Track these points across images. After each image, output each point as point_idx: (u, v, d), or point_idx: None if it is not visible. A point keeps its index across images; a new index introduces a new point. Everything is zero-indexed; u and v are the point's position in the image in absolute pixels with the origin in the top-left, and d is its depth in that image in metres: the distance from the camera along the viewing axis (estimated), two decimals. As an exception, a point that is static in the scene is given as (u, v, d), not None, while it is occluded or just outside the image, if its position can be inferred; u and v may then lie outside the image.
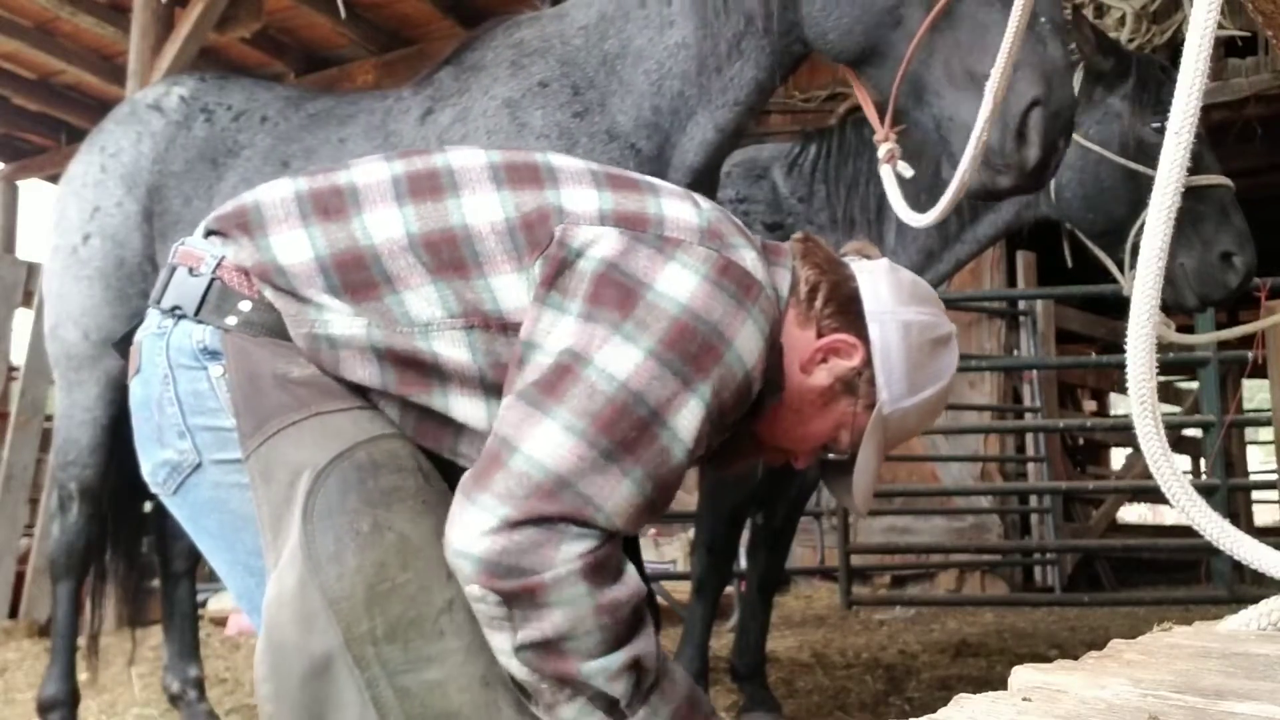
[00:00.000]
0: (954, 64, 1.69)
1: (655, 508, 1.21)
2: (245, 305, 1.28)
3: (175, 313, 1.31)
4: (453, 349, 1.24)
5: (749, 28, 1.90)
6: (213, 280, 1.30)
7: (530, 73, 2.05)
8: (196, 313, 1.29)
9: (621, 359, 1.16)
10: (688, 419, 1.19)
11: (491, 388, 1.26)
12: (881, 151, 1.84)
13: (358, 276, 1.26)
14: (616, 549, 1.19)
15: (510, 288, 1.25)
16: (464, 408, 1.27)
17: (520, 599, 1.12)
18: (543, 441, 1.14)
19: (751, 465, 1.60)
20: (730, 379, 1.22)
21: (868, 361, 1.34)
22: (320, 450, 1.21)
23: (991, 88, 1.50)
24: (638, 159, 1.98)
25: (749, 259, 1.28)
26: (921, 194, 2.18)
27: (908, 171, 1.83)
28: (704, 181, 2.03)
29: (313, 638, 1.15)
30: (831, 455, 1.48)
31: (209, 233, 1.35)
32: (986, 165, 1.67)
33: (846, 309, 1.34)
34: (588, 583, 1.13)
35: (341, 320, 1.25)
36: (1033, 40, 1.64)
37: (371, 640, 1.15)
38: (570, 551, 1.13)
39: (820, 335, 1.34)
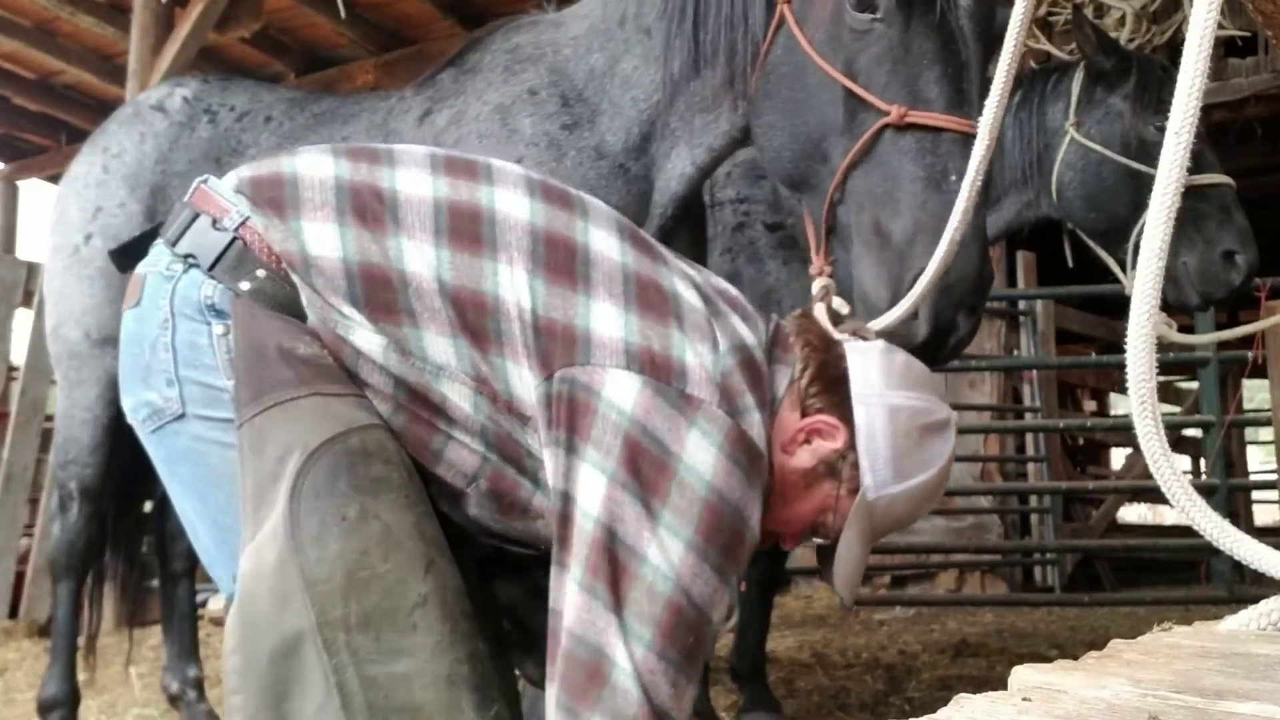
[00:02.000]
0: (865, 215, 1.60)
1: None
2: (261, 273, 1.28)
3: (188, 260, 1.31)
4: (459, 399, 1.26)
5: (723, 86, 1.85)
6: (235, 239, 1.29)
7: (521, 79, 2.05)
8: (211, 268, 1.29)
9: (669, 555, 1.19)
10: (722, 606, 1.24)
11: (491, 441, 1.28)
12: (815, 288, 1.71)
13: (383, 296, 1.26)
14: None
15: (520, 379, 1.26)
16: (459, 452, 1.29)
17: None
18: (628, 657, 1.17)
19: None
20: (747, 552, 1.27)
21: (851, 445, 1.32)
22: (314, 431, 1.21)
23: (946, 240, 1.41)
24: (626, 178, 1.97)
25: (755, 425, 1.27)
26: None
27: (844, 309, 1.69)
28: (686, 206, 2.02)
29: (286, 616, 1.15)
30: (818, 540, 1.45)
31: (237, 189, 1.33)
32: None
33: (832, 389, 1.33)
34: None
35: (363, 334, 1.26)
36: (939, 202, 1.52)
37: (344, 626, 1.15)
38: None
39: (804, 415, 1.33)
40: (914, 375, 1.37)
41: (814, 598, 6.34)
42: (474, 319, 1.26)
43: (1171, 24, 5.34)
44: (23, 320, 5.89)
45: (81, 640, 3.00)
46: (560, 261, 1.30)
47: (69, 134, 7.82)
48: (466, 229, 1.30)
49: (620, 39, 1.98)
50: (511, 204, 1.34)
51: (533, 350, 1.25)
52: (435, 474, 1.32)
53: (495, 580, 1.63)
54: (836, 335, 1.42)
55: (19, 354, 5.91)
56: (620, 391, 1.22)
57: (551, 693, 1.21)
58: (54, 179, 8.00)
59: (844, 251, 1.67)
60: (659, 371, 1.24)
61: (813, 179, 1.70)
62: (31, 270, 5.79)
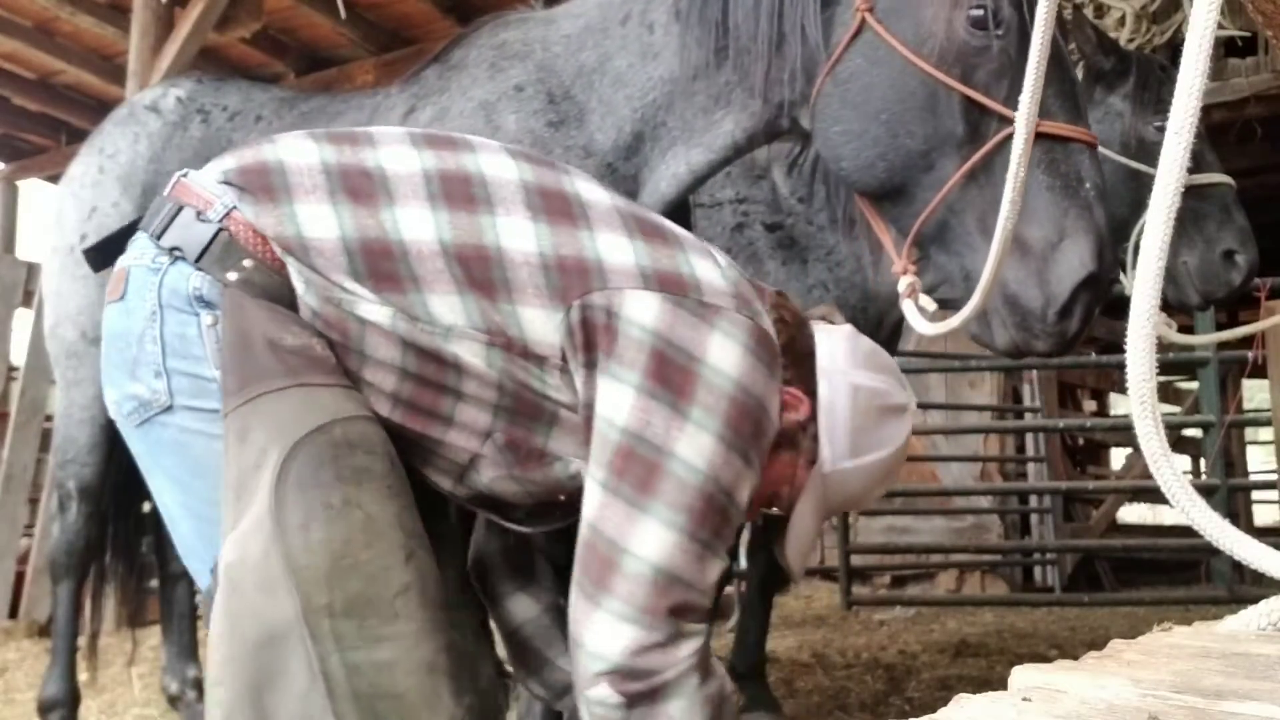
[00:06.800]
0: (990, 221, 1.57)
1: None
2: (248, 263, 1.28)
3: (174, 253, 1.31)
4: (472, 355, 1.28)
5: (742, 83, 1.84)
6: (220, 230, 1.29)
7: (508, 75, 2.02)
8: (198, 260, 1.29)
9: (699, 448, 1.24)
10: (747, 488, 1.30)
11: (506, 392, 1.30)
12: (902, 286, 1.74)
13: (384, 267, 1.28)
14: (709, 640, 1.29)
15: (536, 321, 1.28)
16: (469, 411, 1.31)
17: (644, 698, 1.22)
18: (650, 541, 1.23)
19: None
20: (769, 439, 1.32)
21: (812, 417, 1.38)
22: (299, 422, 1.22)
23: (999, 237, 1.42)
24: (614, 178, 1.94)
25: (769, 323, 1.34)
26: None
27: (931, 305, 1.74)
28: (674, 211, 1.98)
29: (270, 605, 1.15)
30: (775, 510, 1.49)
31: (223, 180, 1.34)
32: (1024, 328, 1.60)
33: (799, 363, 1.38)
34: (698, 676, 1.24)
35: (368, 306, 1.27)
36: (1080, 207, 1.58)
37: (329, 613, 1.16)
38: (688, 649, 1.24)
39: None
40: (878, 360, 1.44)
41: (814, 598, 6.34)
42: (480, 273, 1.29)
43: (1171, 24, 5.33)
44: (23, 320, 5.89)
45: (82, 640, 3.00)
46: (557, 206, 1.35)
47: (69, 134, 7.81)
48: (460, 191, 1.33)
49: (617, 36, 1.96)
50: (498, 166, 1.38)
51: (544, 289, 1.29)
52: (447, 442, 1.34)
53: (508, 598, 1.65)
54: (807, 316, 1.48)
55: (19, 354, 5.91)
56: (640, 308, 1.27)
57: (574, 578, 1.28)
58: (54, 179, 7.99)
59: (951, 258, 1.68)
60: (674, 286, 1.30)
61: (909, 188, 1.69)
62: (31, 270, 5.79)
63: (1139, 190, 2.57)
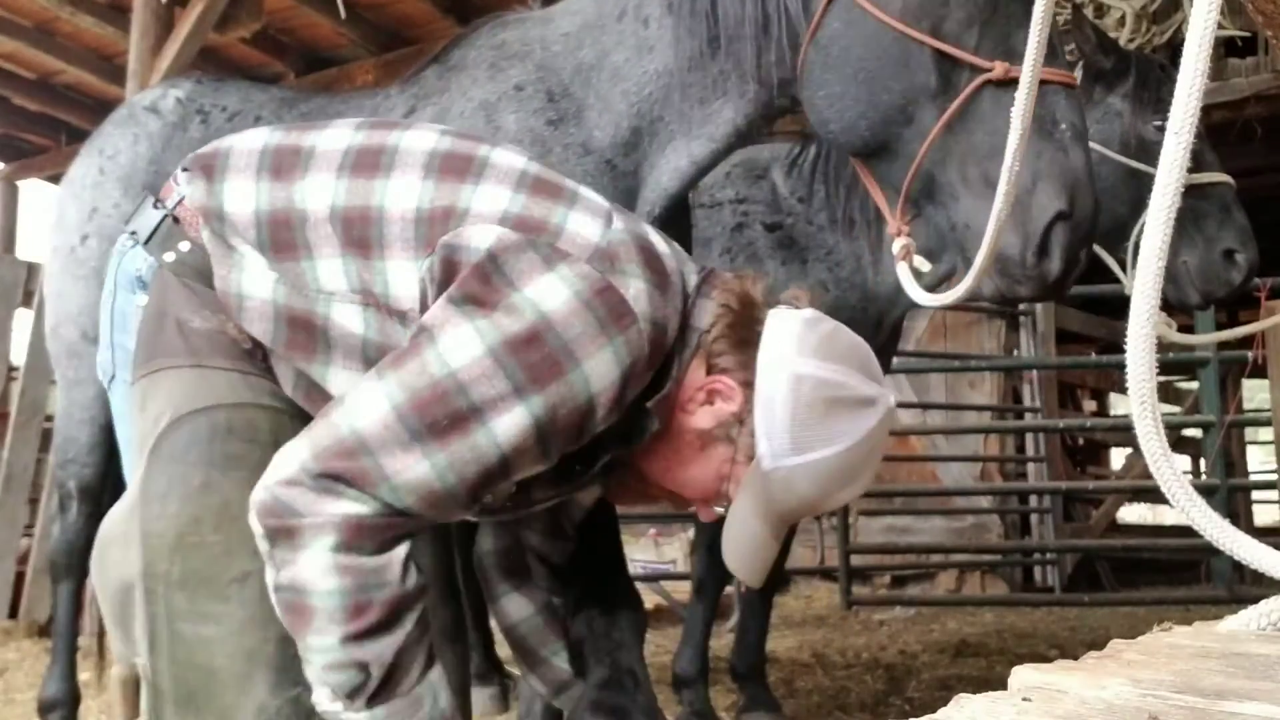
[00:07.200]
0: (970, 168, 1.62)
1: (459, 501, 1.20)
2: (184, 245, 1.37)
3: (134, 237, 1.42)
4: (346, 320, 1.30)
5: (736, 69, 1.85)
6: (166, 216, 1.40)
7: (507, 75, 2.02)
8: (146, 242, 1.40)
9: (461, 348, 1.16)
10: (509, 425, 1.17)
11: (373, 359, 1.28)
12: (896, 247, 1.76)
13: (285, 236, 1.32)
14: (394, 527, 1.17)
15: (400, 274, 1.28)
16: (340, 379, 1.32)
17: (279, 537, 1.14)
18: (362, 404, 1.17)
19: (645, 502, 1.52)
20: (570, 399, 1.18)
21: (749, 409, 1.27)
22: (188, 399, 1.30)
23: (1002, 192, 1.41)
24: (613, 174, 1.94)
25: (633, 288, 1.22)
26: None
27: (925, 266, 1.76)
28: (676, 206, 1.99)
29: (125, 560, 1.29)
30: (722, 509, 1.37)
31: (184, 168, 1.43)
32: (1005, 274, 1.61)
33: (739, 349, 1.28)
34: (340, 538, 1.13)
35: (254, 273, 1.32)
36: (1054, 149, 1.60)
37: (165, 581, 1.25)
38: (340, 508, 1.13)
39: (709, 373, 1.29)
40: (836, 348, 1.29)
41: (814, 598, 6.34)
42: (360, 232, 1.29)
43: (1171, 24, 5.34)
44: (23, 320, 5.89)
45: (84, 640, 3.00)
46: (455, 167, 1.31)
47: (69, 134, 7.81)
48: (369, 161, 1.34)
49: (614, 32, 1.96)
50: (418, 139, 1.36)
51: (412, 241, 1.27)
52: None
53: (504, 598, 1.68)
54: (762, 298, 1.35)
55: (19, 354, 5.91)
56: (481, 235, 1.23)
57: None
58: (54, 179, 8.00)
59: (937, 210, 1.70)
60: (530, 229, 1.23)
61: (894, 144, 1.72)
62: (31, 270, 5.78)
63: (1138, 190, 2.57)
